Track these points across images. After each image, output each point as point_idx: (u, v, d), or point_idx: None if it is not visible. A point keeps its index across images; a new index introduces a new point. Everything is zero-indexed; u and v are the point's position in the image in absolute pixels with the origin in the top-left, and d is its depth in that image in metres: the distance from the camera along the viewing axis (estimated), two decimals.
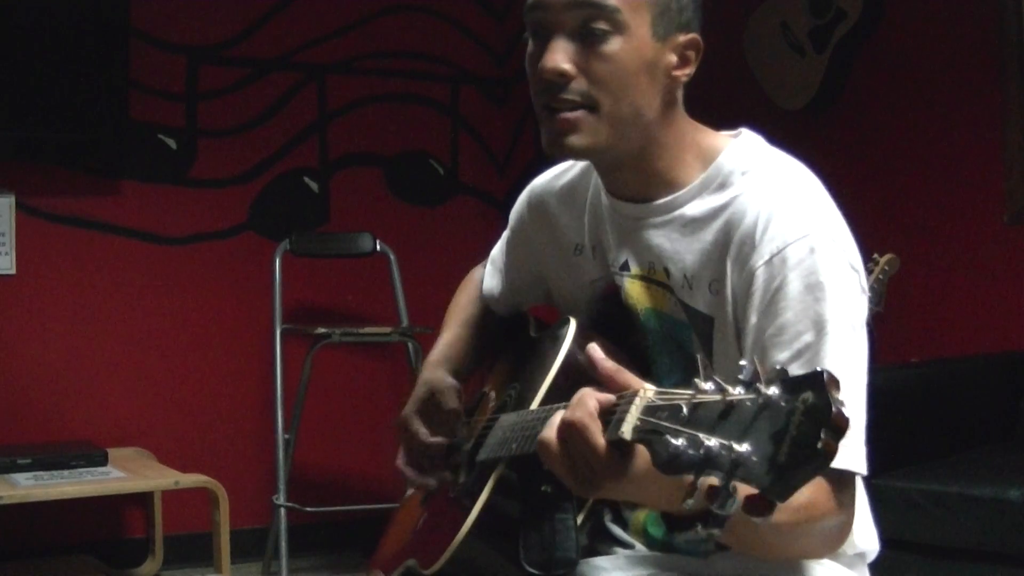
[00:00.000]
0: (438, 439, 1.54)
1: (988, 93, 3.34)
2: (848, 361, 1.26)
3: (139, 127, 3.96)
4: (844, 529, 1.28)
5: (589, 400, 1.08)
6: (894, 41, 3.56)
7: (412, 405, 1.58)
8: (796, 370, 1.24)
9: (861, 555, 1.41)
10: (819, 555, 1.33)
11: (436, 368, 1.61)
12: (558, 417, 1.11)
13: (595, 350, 1.14)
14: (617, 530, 1.47)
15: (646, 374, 1.18)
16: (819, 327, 1.26)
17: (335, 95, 4.31)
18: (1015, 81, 3.28)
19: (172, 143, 4.07)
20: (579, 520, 1.33)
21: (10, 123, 3.71)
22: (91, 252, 3.94)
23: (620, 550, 1.46)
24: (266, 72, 4.20)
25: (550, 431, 1.11)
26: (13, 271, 3.82)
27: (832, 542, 1.29)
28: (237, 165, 4.16)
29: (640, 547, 1.45)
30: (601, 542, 1.47)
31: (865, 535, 1.41)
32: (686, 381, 1.36)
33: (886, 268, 2.95)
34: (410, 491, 1.70)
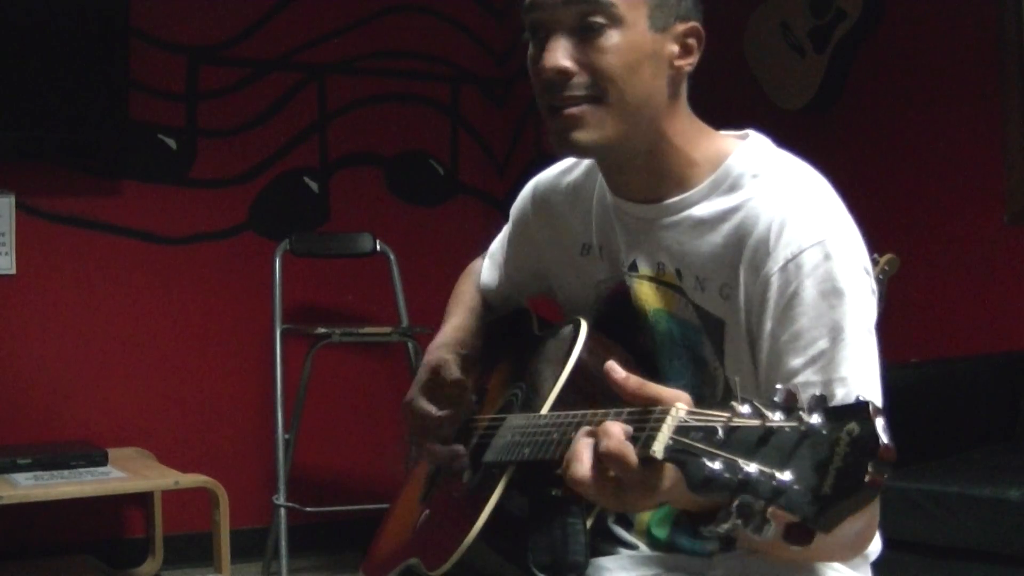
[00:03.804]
0: (447, 412, 1.52)
1: (988, 93, 3.34)
2: (863, 367, 1.26)
3: (139, 127, 3.96)
4: (865, 534, 1.28)
5: (613, 428, 1.07)
6: (894, 41, 3.56)
7: (415, 389, 1.57)
8: (810, 376, 1.25)
9: (864, 555, 1.40)
10: (840, 559, 1.33)
11: (438, 350, 1.59)
12: (586, 450, 1.09)
13: (615, 370, 1.12)
14: (620, 531, 1.47)
15: (653, 376, 1.18)
16: (834, 333, 1.25)
17: (335, 95, 4.31)
18: (1015, 81, 3.28)
19: (172, 143, 4.07)
20: (587, 524, 1.32)
21: (10, 123, 3.71)
22: (91, 252, 3.94)
23: (623, 550, 1.45)
24: (266, 72, 4.20)
25: (583, 466, 1.09)
26: (13, 271, 3.82)
27: (854, 547, 1.29)
28: (237, 165, 4.16)
29: (643, 547, 1.45)
30: (604, 542, 1.46)
31: None
32: (696, 384, 1.36)
33: (886, 268, 2.94)
34: (405, 486, 1.69)
